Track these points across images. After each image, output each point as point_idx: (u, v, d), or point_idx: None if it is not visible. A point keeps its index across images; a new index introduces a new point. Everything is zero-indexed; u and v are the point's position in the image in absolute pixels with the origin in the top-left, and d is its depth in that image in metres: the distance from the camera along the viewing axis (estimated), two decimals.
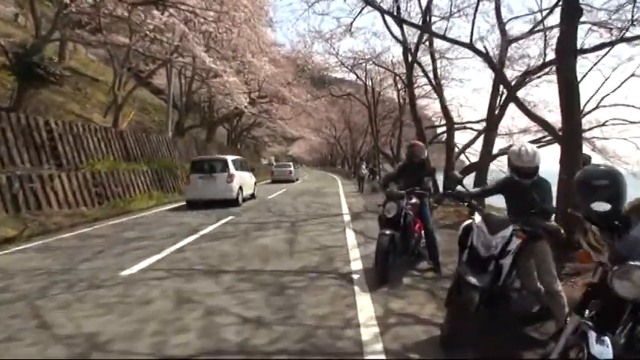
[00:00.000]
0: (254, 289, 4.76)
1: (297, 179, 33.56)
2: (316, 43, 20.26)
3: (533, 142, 14.51)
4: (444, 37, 8.67)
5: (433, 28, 12.96)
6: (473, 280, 3.27)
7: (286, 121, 43.50)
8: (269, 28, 30.09)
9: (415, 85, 22.25)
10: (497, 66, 8.05)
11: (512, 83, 12.83)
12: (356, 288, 4.77)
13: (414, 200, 5.55)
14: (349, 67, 21.23)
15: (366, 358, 3.21)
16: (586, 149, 15.97)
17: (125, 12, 15.65)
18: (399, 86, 21.12)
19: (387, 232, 5.06)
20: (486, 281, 3.34)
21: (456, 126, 19.35)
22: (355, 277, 5.25)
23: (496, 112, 10.62)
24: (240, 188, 14.58)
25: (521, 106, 7.20)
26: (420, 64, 13.09)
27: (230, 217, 10.73)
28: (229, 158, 15.16)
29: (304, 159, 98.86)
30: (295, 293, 4.62)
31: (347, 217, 10.82)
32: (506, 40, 9.68)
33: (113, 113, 20.22)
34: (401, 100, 21.35)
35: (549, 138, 14.60)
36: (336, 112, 35.97)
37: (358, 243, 7.34)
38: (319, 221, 10.19)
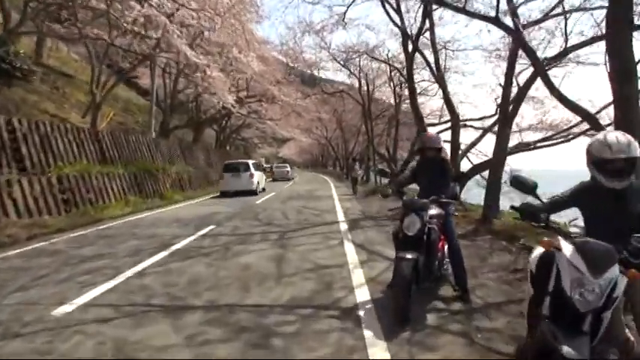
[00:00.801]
0: (226, 339, 3.45)
1: (293, 178, 39.40)
2: (306, 36, 18.95)
3: (543, 140, 13.36)
4: (463, 10, 7.41)
5: (435, 16, 11.82)
6: (571, 352, 2.02)
7: (276, 122, 42.30)
8: (257, 24, 28.93)
9: None
10: (524, 40, 6.77)
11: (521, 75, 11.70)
12: (366, 334, 3.49)
13: (436, 211, 4.29)
14: (342, 62, 19.98)
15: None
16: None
17: (102, 4, 14.29)
18: (395, 82, 19.91)
19: (409, 256, 3.78)
20: (586, 350, 2.10)
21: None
22: (363, 314, 3.97)
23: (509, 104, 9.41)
24: (258, 183, 20.86)
25: (562, 96, 5.98)
26: (422, 53, 11.87)
27: (210, 227, 9.38)
28: (250, 162, 21.45)
29: (295, 160, 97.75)
30: (282, 344, 3.32)
31: (344, 226, 9.54)
32: (521, 24, 8.52)
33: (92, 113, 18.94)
34: (396, 98, 20.12)
35: (561, 137, 13.48)
36: (328, 112, 34.72)
37: (361, 261, 6.06)
38: (312, 231, 8.90)
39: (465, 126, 18.03)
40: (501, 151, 9.09)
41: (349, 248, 6.95)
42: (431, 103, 27.26)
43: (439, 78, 11.60)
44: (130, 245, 7.54)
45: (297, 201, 16.18)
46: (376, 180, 20.62)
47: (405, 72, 14.54)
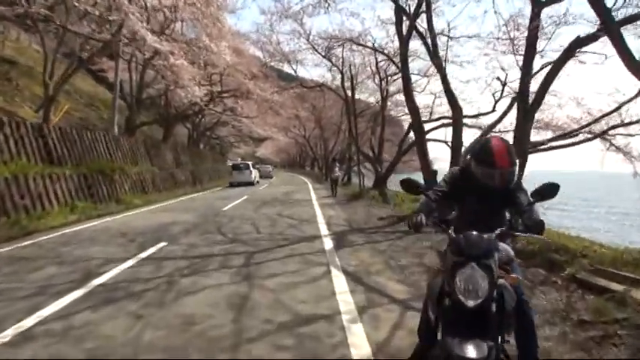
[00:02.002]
0: None
1: (273, 177, 43.33)
2: (284, 21, 17.02)
3: (555, 138, 11.77)
4: None
5: None
6: None
7: (252, 120, 40.40)
8: (230, 13, 26.92)
9: (396, 77, 19.42)
10: None
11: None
12: None
13: (503, 251, 2.46)
14: (322, 53, 18.07)
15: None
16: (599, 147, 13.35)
17: None
18: (381, 74, 18.08)
19: (474, 353, 1.95)
20: None
21: (449, 121, 16.61)
22: None
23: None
24: (255, 177, 30.58)
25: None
26: (420, 34, 10.06)
27: (159, 246, 7.37)
28: (250, 164, 32.39)
29: (272, 160, 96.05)
30: None
31: (328, 243, 7.69)
32: None
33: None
34: (383, 92, 18.32)
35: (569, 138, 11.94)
36: (306, 110, 32.86)
37: (358, 306, 4.23)
38: (289, 251, 6.99)
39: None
40: (521, 151, 7.41)
41: (339, 282, 5.11)
42: (418, 99, 25.47)
43: (438, 65, 9.87)
44: (42, 275, 5.53)
45: (271, 207, 14.27)
46: (360, 182, 18.78)
47: (396, 59, 12.81)
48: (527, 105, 7.57)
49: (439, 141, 16.07)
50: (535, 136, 13.99)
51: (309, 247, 7.20)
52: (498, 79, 14.22)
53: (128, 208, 15.05)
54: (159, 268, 5.79)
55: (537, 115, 14.27)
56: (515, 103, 12.71)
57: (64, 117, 24.56)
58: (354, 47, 17.02)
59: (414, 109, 10.55)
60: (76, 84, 35.29)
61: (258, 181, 31.93)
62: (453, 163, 9.90)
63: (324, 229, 9.17)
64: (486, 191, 2.64)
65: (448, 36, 12.58)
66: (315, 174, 45.92)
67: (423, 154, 10.36)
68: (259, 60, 28.59)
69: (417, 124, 10.51)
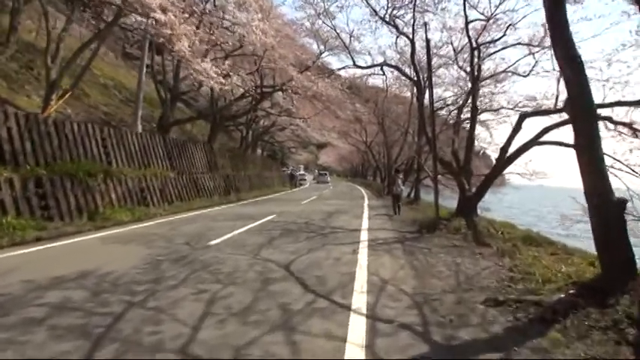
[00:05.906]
0: None
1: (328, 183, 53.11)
2: None
3: None
4: None
5: None
6: None
7: (306, 122, 36.04)
8: None
9: (493, 49, 13.61)
10: None
11: None
12: None
13: None
14: (387, 19, 12.43)
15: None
16: None
17: None
18: (473, 44, 11.96)
19: None
20: None
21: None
22: None
23: None
24: (329, 179, 62.41)
25: None
26: None
27: None
28: (327, 172, 69.99)
29: (335, 169, 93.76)
30: None
31: None
32: None
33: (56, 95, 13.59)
34: (474, 72, 12.25)
35: None
36: (368, 108, 27.65)
37: None
38: None
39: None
40: None
41: None
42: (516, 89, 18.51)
43: None
44: None
45: (292, 242, 8.87)
46: (436, 204, 12.52)
47: None
48: None
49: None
50: None
51: None
52: None
53: (100, 228, 10.70)
54: None
55: None
56: None
57: (85, 110, 21.17)
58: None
59: (578, 79, 4.75)
60: (120, 79, 32.51)
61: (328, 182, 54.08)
62: None
63: (359, 342, 3.67)
64: None
65: None
66: (377, 186, 39.97)
67: (598, 168, 4.67)
68: (313, 52, 24.10)
69: (583, 109, 4.77)
